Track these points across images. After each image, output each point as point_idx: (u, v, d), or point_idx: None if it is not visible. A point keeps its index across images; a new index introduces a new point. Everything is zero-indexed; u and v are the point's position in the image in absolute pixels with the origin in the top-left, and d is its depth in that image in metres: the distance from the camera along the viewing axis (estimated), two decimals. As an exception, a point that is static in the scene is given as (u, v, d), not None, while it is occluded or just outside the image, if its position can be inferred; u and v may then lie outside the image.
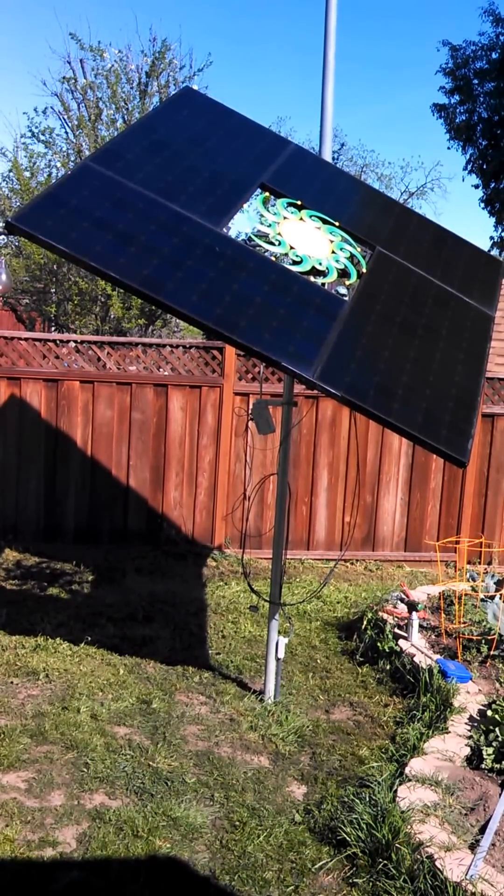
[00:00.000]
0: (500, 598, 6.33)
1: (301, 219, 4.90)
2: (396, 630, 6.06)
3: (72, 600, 6.94)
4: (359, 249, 4.92)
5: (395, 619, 6.26)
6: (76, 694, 5.17)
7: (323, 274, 4.58)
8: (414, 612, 5.97)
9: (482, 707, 4.98)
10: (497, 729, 4.54)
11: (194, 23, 50.16)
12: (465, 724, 4.81)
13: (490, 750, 4.43)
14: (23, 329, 17.06)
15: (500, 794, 4.14)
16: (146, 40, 16.45)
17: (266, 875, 3.66)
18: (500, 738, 4.48)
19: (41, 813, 3.99)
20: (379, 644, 5.92)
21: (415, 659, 5.61)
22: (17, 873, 3.58)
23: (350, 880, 3.65)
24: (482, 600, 6.43)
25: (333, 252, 4.75)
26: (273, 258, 4.57)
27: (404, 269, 5.07)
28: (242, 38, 53.29)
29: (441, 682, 5.20)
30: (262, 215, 4.79)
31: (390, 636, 5.96)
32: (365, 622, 6.23)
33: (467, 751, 4.53)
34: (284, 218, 4.83)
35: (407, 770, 4.29)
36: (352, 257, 4.80)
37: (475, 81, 23.74)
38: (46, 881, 3.55)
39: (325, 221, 4.97)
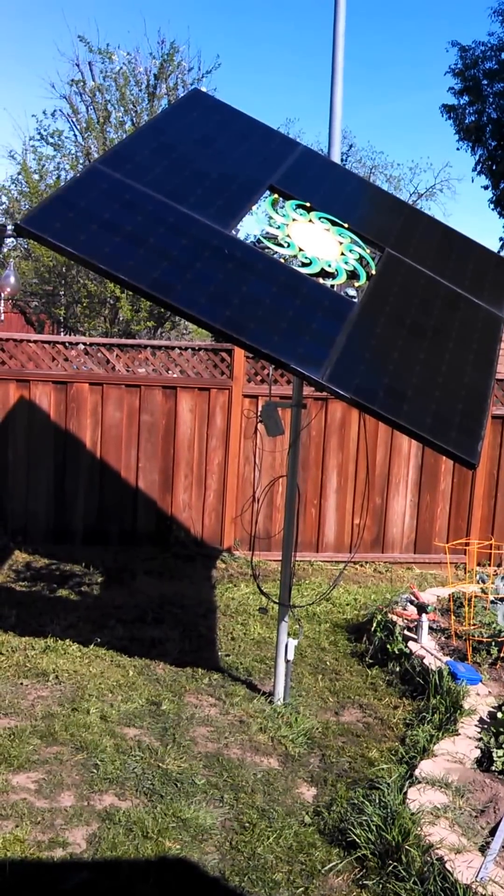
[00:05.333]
0: (510, 600, 6.31)
1: (310, 220, 4.90)
2: (406, 632, 6.05)
3: (81, 602, 6.96)
4: (368, 251, 4.92)
5: (405, 621, 6.24)
6: (86, 695, 5.18)
7: (332, 276, 4.58)
8: (424, 614, 5.96)
9: (492, 709, 4.97)
10: (507, 731, 4.53)
11: (203, 25, 50.33)
12: (475, 726, 4.80)
13: (500, 752, 4.41)
14: (32, 331, 17.13)
15: (511, 797, 4.13)
16: (154, 42, 16.51)
17: (276, 876, 3.66)
18: (510, 741, 4.47)
19: (51, 814, 4.00)
20: (388, 646, 5.91)
21: (424, 661, 5.60)
22: (28, 874, 3.59)
23: (360, 882, 3.64)
24: (492, 602, 6.42)
25: (343, 254, 4.75)
26: (282, 260, 4.57)
27: (413, 271, 5.06)
28: (251, 40, 53.39)
29: (451, 685, 5.19)
30: (270, 217, 4.79)
31: (400, 638, 5.95)
32: (374, 624, 6.22)
33: (477, 753, 4.52)
34: (293, 220, 4.84)
35: (417, 772, 4.28)
36: (361, 259, 4.80)
37: (484, 82, 23.71)
38: (56, 881, 3.56)
39: (334, 223, 4.97)
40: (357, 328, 4.32)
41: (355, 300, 4.54)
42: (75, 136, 14.68)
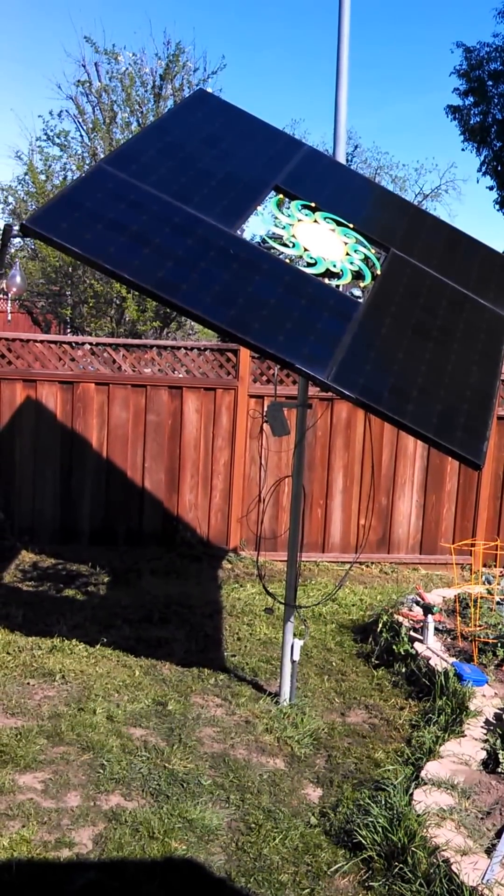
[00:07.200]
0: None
1: (315, 221, 4.90)
2: (412, 633, 6.05)
3: (87, 602, 6.96)
4: (373, 251, 4.91)
5: (411, 621, 6.24)
6: (92, 695, 5.19)
7: (337, 276, 4.57)
8: (429, 615, 5.95)
9: (498, 710, 4.96)
10: (513, 732, 4.52)
11: (208, 27, 50.19)
12: (481, 727, 4.79)
13: (506, 753, 4.40)
14: (39, 331, 17.16)
15: (517, 798, 4.11)
16: (160, 43, 16.48)
17: (282, 878, 3.66)
18: (516, 742, 4.46)
19: (57, 814, 4.01)
20: (394, 647, 5.90)
21: (430, 662, 5.59)
22: (34, 874, 3.59)
23: (366, 884, 3.64)
24: (498, 603, 6.40)
25: (348, 254, 4.75)
26: (287, 260, 4.57)
27: (418, 271, 5.05)
28: (256, 40, 53.36)
29: (457, 686, 5.18)
30: (276, 217, 4.79)
31: (406, 639, 5.94)
32: (380, 625, 6.22)
33: (483, 754, 4.51)
34: (299, 220, 4.83)
35: (423, 773, 4.27)
36: (366, 259, 4.79)
37: (489, 83, 23.67)
38: (62, 882, 3.56)
39: (339, 223, 4.97)
40: (362, 328, 4.32)
41: (360, 300, 4.53)
42: (81, 136, 14.73)
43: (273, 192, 5.02)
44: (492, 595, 6.55)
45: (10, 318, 20.72)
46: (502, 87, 23.51)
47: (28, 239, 13.80)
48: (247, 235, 4.69)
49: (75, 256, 3.95)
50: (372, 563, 8.53)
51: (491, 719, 4.87)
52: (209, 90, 6.90)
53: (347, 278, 4.58)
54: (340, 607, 7.14)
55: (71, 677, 5.45)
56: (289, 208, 4.91)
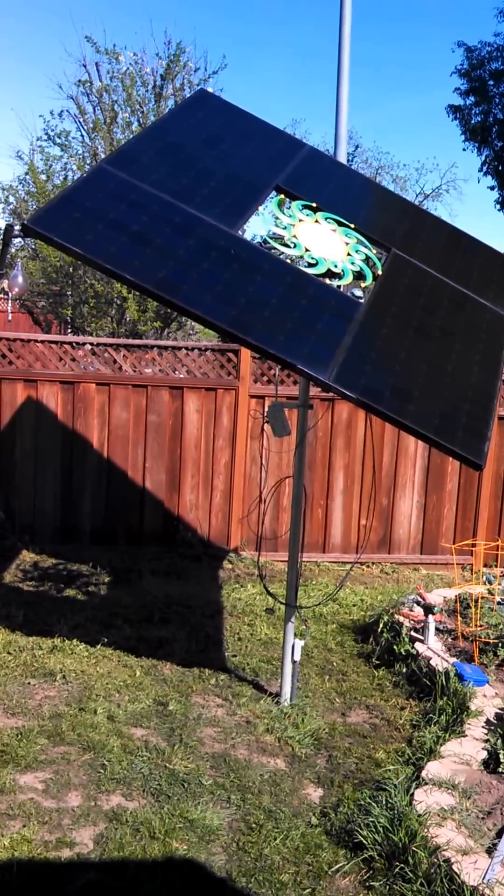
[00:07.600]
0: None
1: (316, 221, 4.90)
2: (413, 633, 6.04)
3: (88, 602, 6.96)
4: (374, 251, 4.91)
5: (412, 622, 6.23)
6: (93, 695, 5.19)
7: (338, 276, 4.57)
8: (430, 615, 5.95)
9: (499, 710, 4.96)
10: (514, 732, 4.52)
11: (208, 26, 50.29)
12: (482, 727, 4.79)
13: (507, 753, 4.40)
14: (39, 331, 17.16)
15: (518, 798, 4.11)
16: (161, 43, 16.45)
17: (282, 878, 3.66)
18: (517, 742, 4.46)
19: (58, 814, 4.01)
20: (395, 647, 5.90)
21: (431, 662, 5.59)
22: (35, 873, 3.59)
23: (367, 883, 3.64)
24: (499, 603, 6.40)
25: (349, 254, 4.75)
26: (288, 260, 4.57)
27: (420, 271, 5.05)
28: (257, 41, 53.37)
29: (458, 686, 5.18)
30: (277, 217, 4.79)
31: (406, 639, 5.94)
32: (381, 625, 6.21)
33: (484, 754, 4.51)
34: (300, 220, 4.83)
35: (423, 773, 4.27)
36: (367, 259, 4.79)
37: (490, 83, 23.65)
38: (63, 882, 3.56)
39: (340, 223, 4.97)
40: (363, 329, 4.32)
41: (361, 301, 4.53)
42: (82, 136, 14.73)
43: (274, 192, 5.02)
44: (492, 595, 6.55)
45: (10, 318, 20.72)
46: (503, 86, 23.51)
47: (29, 239, 13.81)
48: (248, 235, 4.68)
49: (76, 256, 3.95)
50: (373, 563, 8.53)
51: (492, 719, 4.87)
52: (210, 90, 6.90)
53: (349, 278, 4.59)
54: (341, 607, 7.14)
55: (72, 677, 5.45)
56: (290, 208, 4.91)
